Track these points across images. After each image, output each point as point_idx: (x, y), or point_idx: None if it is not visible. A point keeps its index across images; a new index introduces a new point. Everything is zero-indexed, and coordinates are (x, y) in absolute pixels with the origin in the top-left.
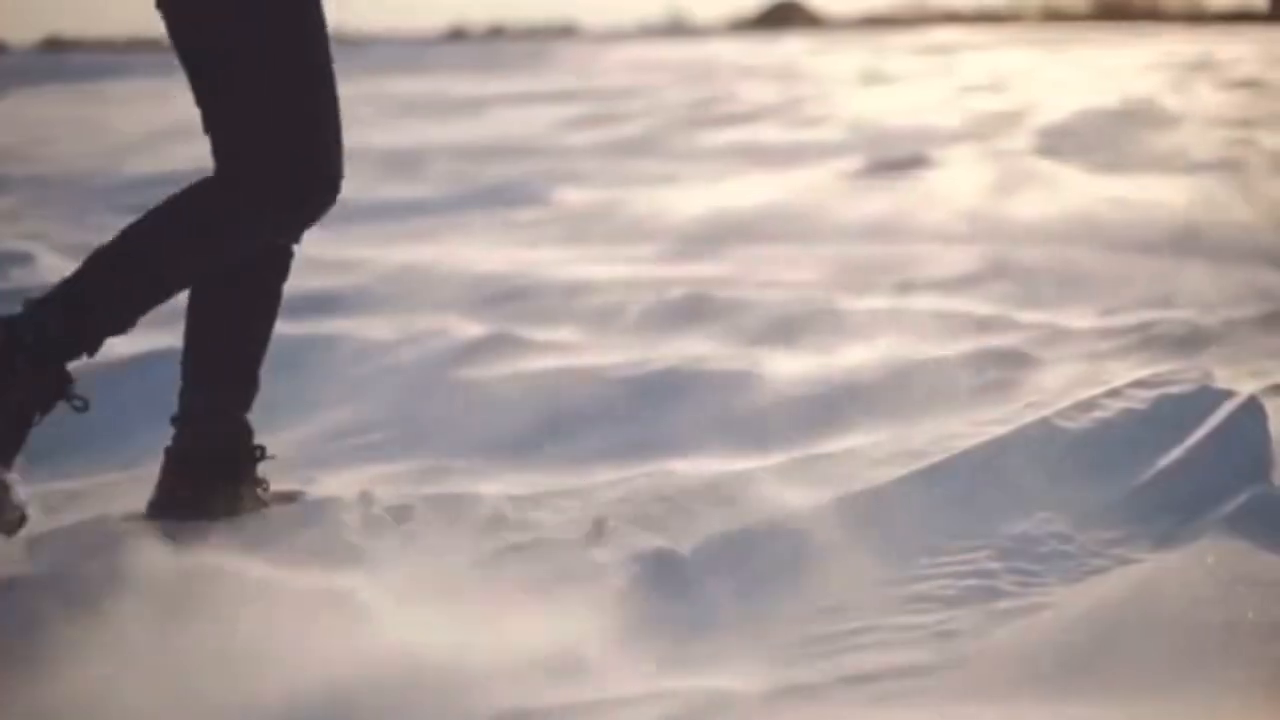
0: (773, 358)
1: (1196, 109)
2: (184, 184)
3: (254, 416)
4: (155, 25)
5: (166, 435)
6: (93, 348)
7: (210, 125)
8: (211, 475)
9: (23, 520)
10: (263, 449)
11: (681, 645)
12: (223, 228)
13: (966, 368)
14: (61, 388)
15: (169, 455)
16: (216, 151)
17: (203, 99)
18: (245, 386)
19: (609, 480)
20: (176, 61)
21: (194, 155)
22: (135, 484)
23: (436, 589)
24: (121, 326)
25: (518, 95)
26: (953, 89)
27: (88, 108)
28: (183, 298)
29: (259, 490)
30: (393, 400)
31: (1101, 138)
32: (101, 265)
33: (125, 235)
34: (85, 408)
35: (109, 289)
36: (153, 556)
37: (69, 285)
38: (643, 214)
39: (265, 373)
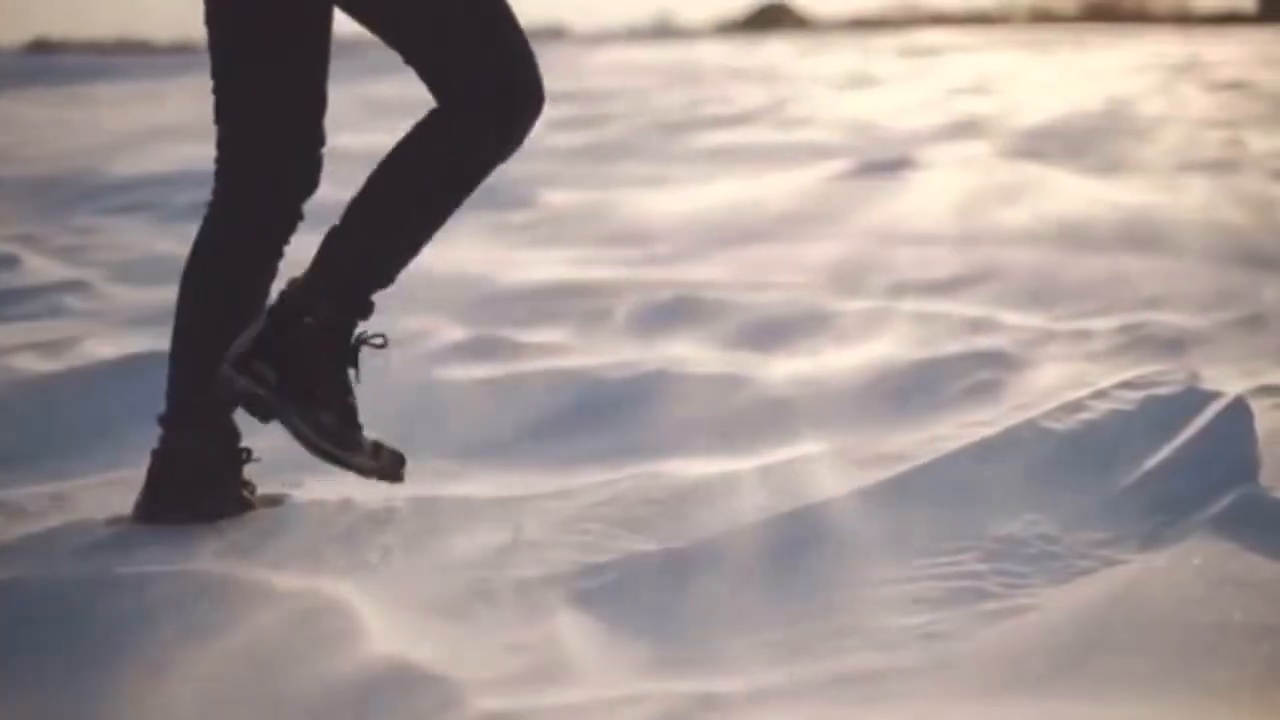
0: (760, 360)
1: (1184, 111)
2: (171, 186)
3: (239, 419)
4: (143, 26)
5: (152, 437)
6: (367, 313)
7: (419, 57)
8: (198, 477)
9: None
10: (249, 451)
11: (667, 647)
12: (467, 156)
13: (954, 370)
14: (356, 350)
15: (155, 457)
16: (437, 82)
17: (408, 32)
18: None
19: (595, 482)
20: (165, 63)
21: (182, 157)
22: (120, 487)
23: (421, 592)
24: (389, 282)
25: None
26: (940, 91)
27: (75, 109)
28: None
29: (245, 493)
30: (378, 403)
31: (1089, 140)
32: (357, 237)
33: (368, 201)
34: (385, 344)
35: (371, 258)
36: (137, 560)
37: (330, 271)
38: (629, 216)
39: None
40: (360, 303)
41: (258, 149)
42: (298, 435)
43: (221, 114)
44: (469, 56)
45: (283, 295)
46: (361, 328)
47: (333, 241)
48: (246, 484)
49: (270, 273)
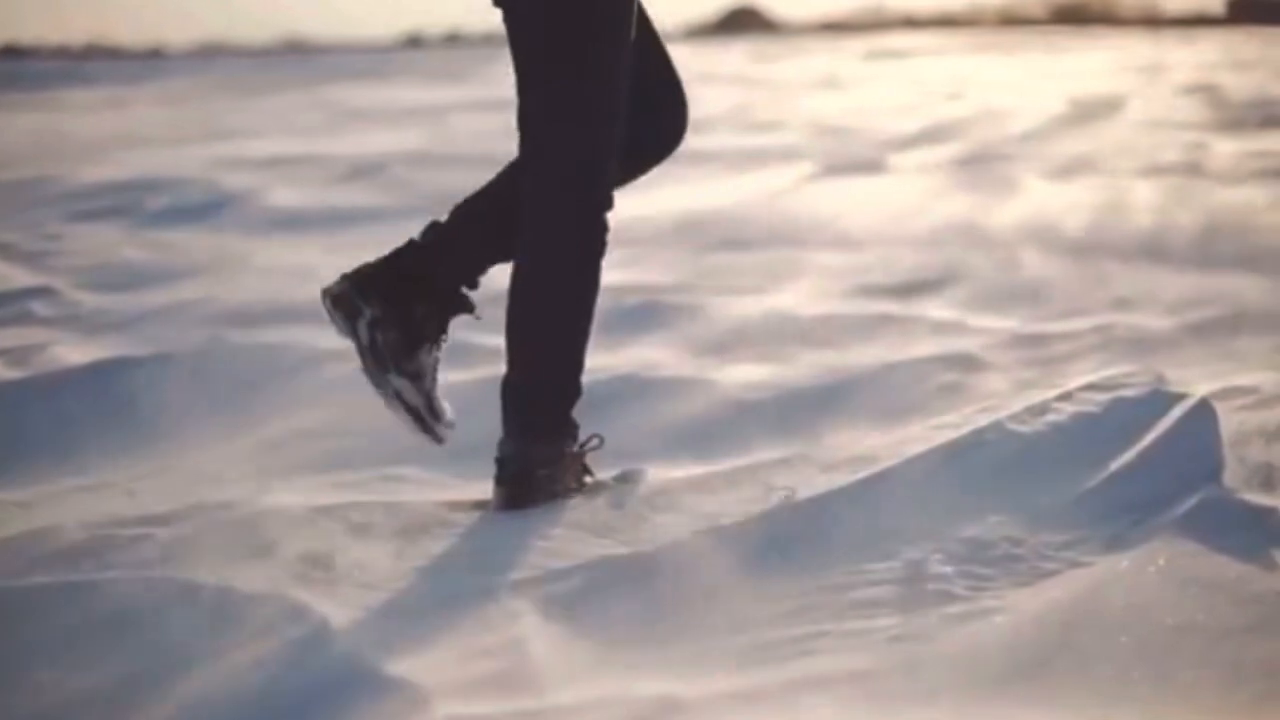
0: (727, 364)
1: (1151, 113)
2: (140, 192)
3: (207, 426)
4: (115, 31)
5: (118, 443)
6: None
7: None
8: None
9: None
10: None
11: (633, 651)
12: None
13: (920, 372)
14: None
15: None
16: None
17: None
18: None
19: None
20: (136, 69)
21: (152, 163)
22: (86, 493)
23: (387, 598)
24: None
25: (474, 102)
26: (909, 94)
27: (44, 114)
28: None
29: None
30: (347, 408)
31: (1056, 142)
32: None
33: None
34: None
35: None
36: (104, 567)
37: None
38: None
39: (219, 382)
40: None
41: None
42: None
43: None
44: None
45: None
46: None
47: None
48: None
49: None
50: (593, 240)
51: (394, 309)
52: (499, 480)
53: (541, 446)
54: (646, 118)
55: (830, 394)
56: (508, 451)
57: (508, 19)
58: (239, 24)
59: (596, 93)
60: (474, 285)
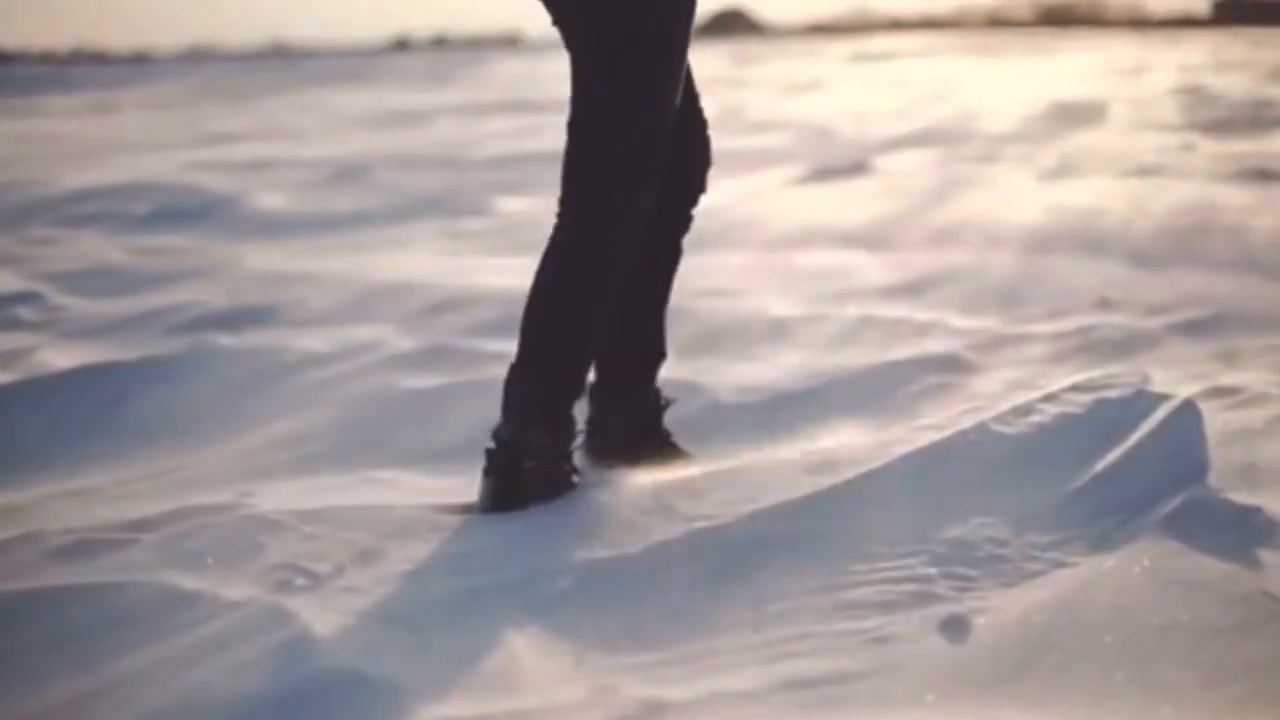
0: (711, 366)
1: (1138, 114)
2: (125, 197)
3: (193, 430)
4: (100, 36)
5: (104, 448)
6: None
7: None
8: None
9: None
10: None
11: (618, 654)
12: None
13: (904, 374)
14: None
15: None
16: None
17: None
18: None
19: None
20: (120, 74)
21: (137, 168)
22: (73, 498)
23: (372, 602)
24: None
25: (460, 105)
26: (895, 96)
27: (29, 120)
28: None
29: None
30: (332, 412)
31: (1041, 143)
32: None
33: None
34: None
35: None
36: (89, 572)
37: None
38: None
39: (205, 386)
40: (564, 421)
41: None
42: None
43: None
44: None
45: (494, 451)
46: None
47: (514, 376)
48: (668, 432)
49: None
50: (626, 240)
51: None
52: (486, 471)
53: (536, 435)
54: (675, 169)
55: (815, 395)
56: (500, 437)
57: (568, 16)
58: (226, 28)
59: (661, 92)
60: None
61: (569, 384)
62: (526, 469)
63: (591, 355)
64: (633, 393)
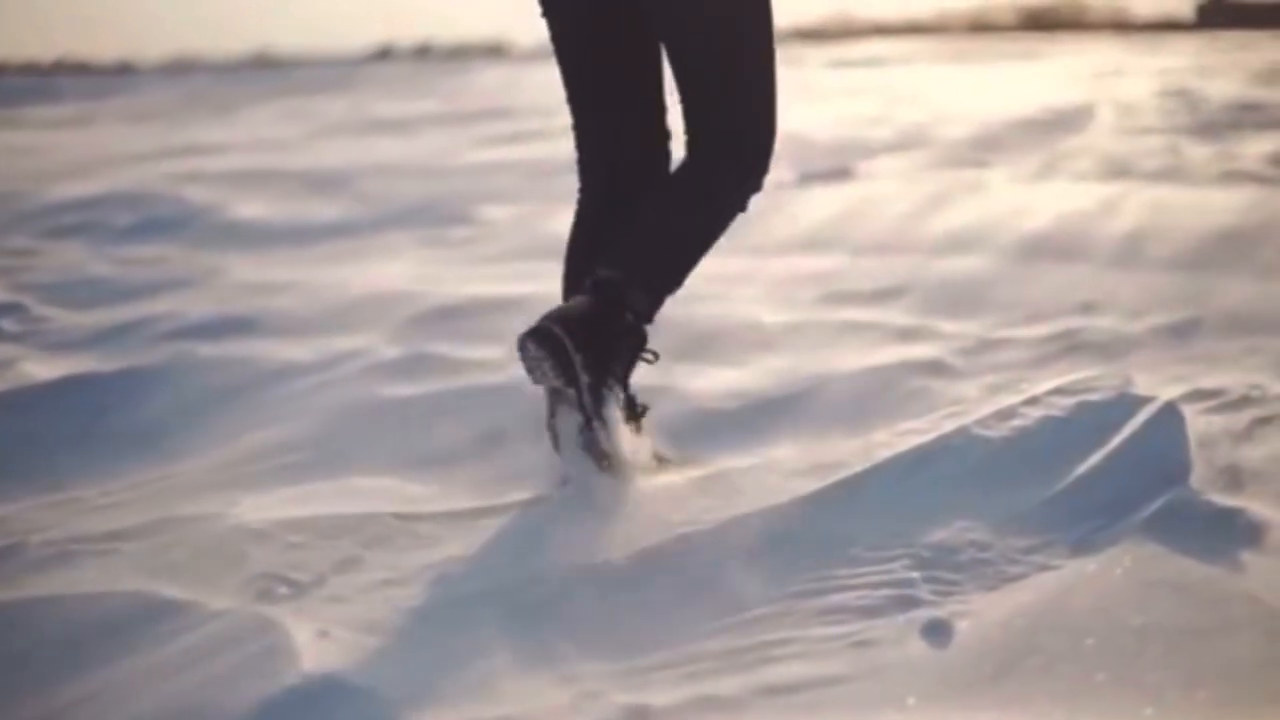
0: (694, 371)
1: (1121, 118)
2: (108, 208)
3: (175, 441)
4: (83, 48)
5: (86, 458)
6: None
7: (698, 108)
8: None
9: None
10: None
11: (599, 660)
12: (731, 201)
13: (888, 378)
14: (644, 343)
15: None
16: (702, 131)
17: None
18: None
19: (529, 498)
20: (104, 85)
21: (120, 179)
22: (55, 509)
23: (353, 610)
24: (678, 287)
25: (443, 114)
26: (879, 101)
27: (12, 131)
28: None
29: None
30: (314, 421)
31: (1025, 148)
32: (649, 251)
33: (654, 227)
34: (656, 358)
35: (664, 270)
36: (69, 583)
37: (639, 268)
38: (567, 231)
39: (187, 396)
40: (656, 306)
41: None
42: (584, 411)
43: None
44: (758, 125)
45: (603, 284)
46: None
47: (635, 246)
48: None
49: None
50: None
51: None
52: (581, 289)
53: (639, 295)
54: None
55: (797, 400)
56: (612, 275)
57: (680, 28)
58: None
59: (773, 88)
60: None
61: (668, 285)
62: (626, 320)
63: (682, 281)
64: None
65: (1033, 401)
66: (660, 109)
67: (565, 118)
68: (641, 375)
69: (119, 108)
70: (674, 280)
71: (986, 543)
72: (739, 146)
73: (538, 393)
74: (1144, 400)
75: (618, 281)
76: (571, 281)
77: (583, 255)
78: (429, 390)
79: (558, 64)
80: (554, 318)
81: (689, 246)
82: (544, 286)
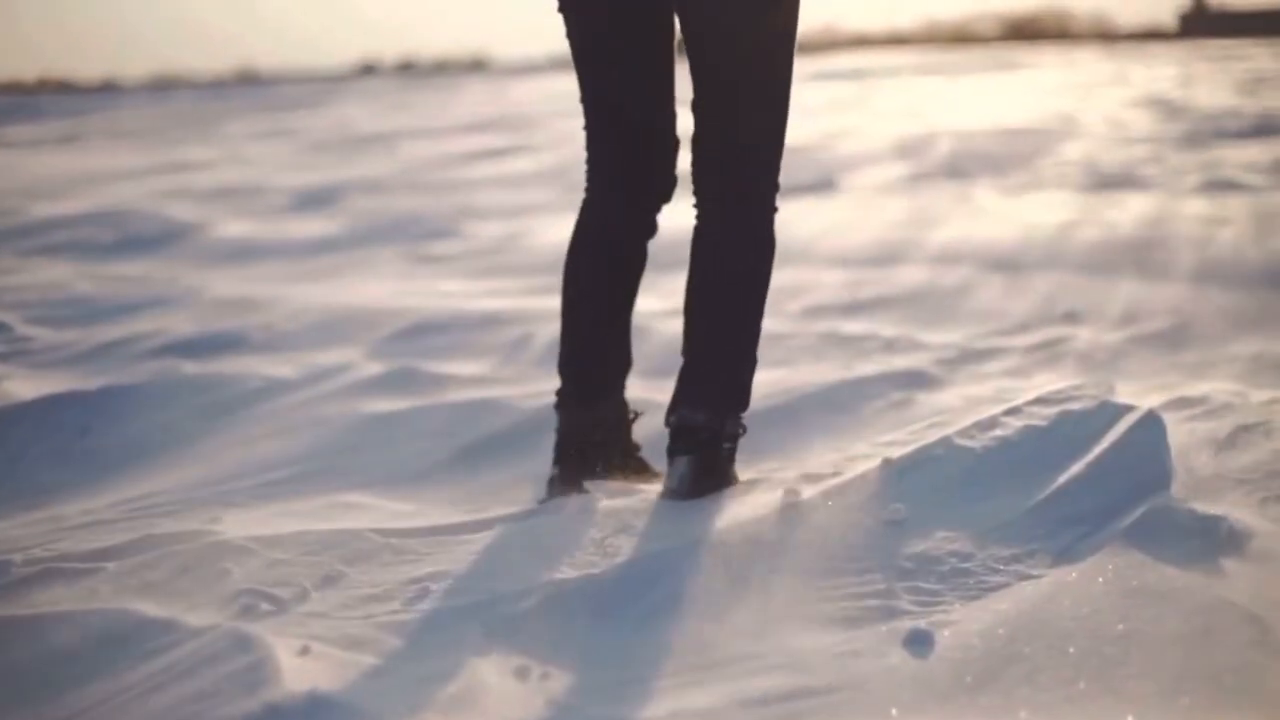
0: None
1: (1104, 128)
2: (92, 227)
3: (159, 458)
4: (66, 65)
5: (70, 476)
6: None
7: (716, 118)
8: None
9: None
10: (636, 413)
11: (581, 674)
12: (758, 266)
13: (870, 389)
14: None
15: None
16: (715, 144)
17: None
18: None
19: (513, 513)
20: (87, 103)
21: (103, 198)
22: (37, 526)
23: (335, 627)
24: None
25: (425, 130)
26: (862, 112)
27: None
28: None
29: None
30: (298, 438)
31: (1009, 159)
32: (722, 376)
33: (716, 349)
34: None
35: (742, 374)
36: (50, 601)
37: (723, 400)
38: (551, 245)
39: (171, 414)
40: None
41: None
42: None
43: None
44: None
45: (703, 438)
46: None
47: (707, 376)
48: (636, 445)
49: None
50: (767, 261)
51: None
52: (685, 450)
53: (734, 421)
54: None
55: (780, 412)
56: (697, 420)
57: (709, 38)
58: (193, 56)
59: (784, 123)
60: None
61: (750, 369)
62: (725, 451)
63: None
64: (601, 402)
65: (1014, 411)
66: (671, 115)
67: (548, 131)
68: (628, 389)
69: (102, 126)
70: (749, 372)
71: (968, 553)
72: (744, 165)
73: (521, 408)
74: (1125, 409)
75: (714, 427)
76: (572, 282)
77: (585, 257)
78: (412, 406)
79: (574, 62)
80: (682, 493)
81: (750, 341)
82: (528, 302)
